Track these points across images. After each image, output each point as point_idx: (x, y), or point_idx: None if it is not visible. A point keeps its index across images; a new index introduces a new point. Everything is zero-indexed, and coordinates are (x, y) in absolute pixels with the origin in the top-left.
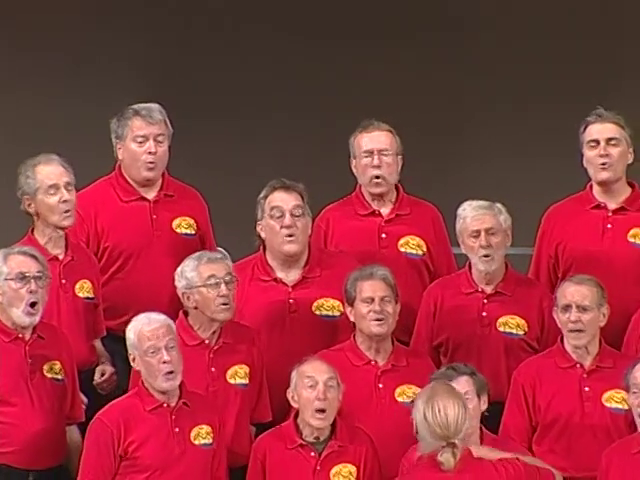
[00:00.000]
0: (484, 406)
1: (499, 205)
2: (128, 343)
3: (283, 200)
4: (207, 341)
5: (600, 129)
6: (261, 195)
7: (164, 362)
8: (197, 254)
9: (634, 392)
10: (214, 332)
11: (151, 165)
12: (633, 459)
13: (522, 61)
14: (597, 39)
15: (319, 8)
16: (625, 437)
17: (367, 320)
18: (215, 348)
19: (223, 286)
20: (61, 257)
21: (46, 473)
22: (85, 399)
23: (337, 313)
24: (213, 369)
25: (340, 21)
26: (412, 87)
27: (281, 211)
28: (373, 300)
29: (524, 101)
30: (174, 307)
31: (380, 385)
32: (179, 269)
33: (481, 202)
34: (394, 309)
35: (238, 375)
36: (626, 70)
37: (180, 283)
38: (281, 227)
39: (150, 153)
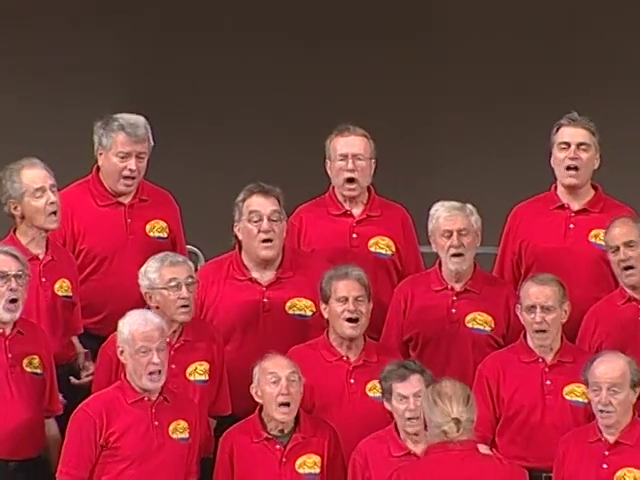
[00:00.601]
0: None
1: (470, 206)
2: (120, 337)
3: (261, 205)
4: (168, 339)
5: (572, 133)
6: (239, 198)
7: (153, 363)
8: (160, 256)
9: (594, 390)
10: (175, 331)
11: (129, 181)
12: (589, 448)
13: (490, 62)
14: (565, 40)
15: (295, 11)
16: (582, 426)
17: (340, 320)
18: (176, 346)
19: (184, 288)
20: (41, 257)
21: (25, 463)
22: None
23: (309, 313)
24: (173, 366)
25: (314, 25)
26: (382, 89)
27: (259, 216)
28: (347, 300)
29: (492, 102)
30: (144, 306)
31: (351, 380)
32: (143, 269)
33: (453, 203)
34: (367, 308)
35: (197, 372)
36: (592, 73)
37: (143, 282)
38: (258, 231)
39: (130, 170)
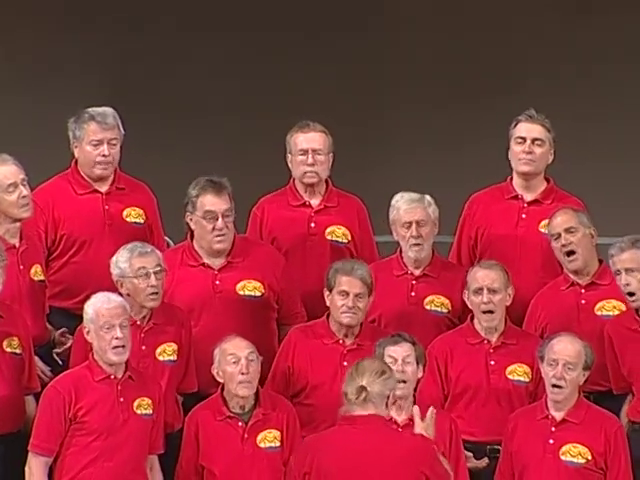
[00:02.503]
0: (420, 374)
1: (429, 197)
2: (85, 317)
3: (215, 204)
4: (138, 322)
5: (529, 128)
6: (193, 193)
7: (116, 338)
8: (130, 246)
9: (550, 364)
10: (144, 316)
11: (105, 165)
12: (537, 424)
13: (446, 56)
14: (518, 37)
15: (253, 8)
16: (531, 404)
17: (339, 312)
18: (146, 329)
19: (152, 277)
20: (17, 246)
21: (6, 437)
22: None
23: (259, 293)
24: (144, 347)
25: (272, 23)
26: (340, 84)
27: (214, 214)
28: (348, 295)
29: (448, 94)
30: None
31: (345, 363)
32: (114, 258)
33: (413, 194)
34: (366, 303)
35: (166, 353)
36: (537, 70)
37: (114, 271)
38: (214, 229)
39: (104, 156)
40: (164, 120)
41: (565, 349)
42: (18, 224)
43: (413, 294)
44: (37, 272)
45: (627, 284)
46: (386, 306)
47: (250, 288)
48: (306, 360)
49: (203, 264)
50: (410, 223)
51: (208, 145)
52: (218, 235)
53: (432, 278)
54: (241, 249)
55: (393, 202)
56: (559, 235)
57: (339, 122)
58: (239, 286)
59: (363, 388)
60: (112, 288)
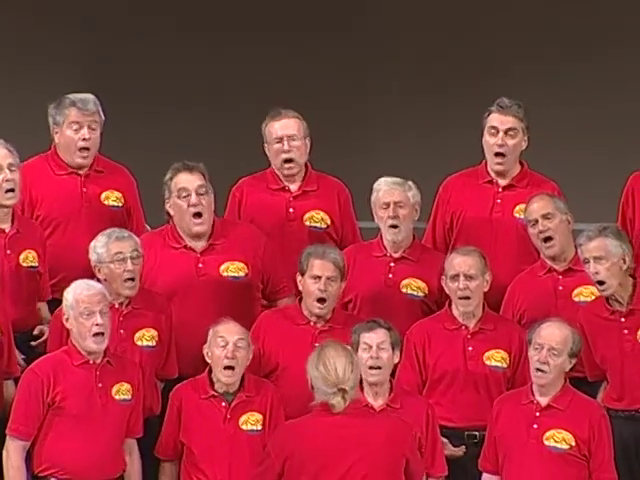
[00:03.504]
0: (397, 359)
1: (411, 183)
2: (65, 304)
3: (188, 181)
4: (117, 306)
5: (501, 120)
6: (167, 177)
7: (97, 324)
8: (108, 231)
9: (536, 348)
10: (123, 300)
11: (85, 152)
12: (521, 409)
13: (426, 41)
14: (486, 24)
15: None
16: (516, 389)
17: (311, 299)
18: (125, 312)
19: (129, 262)
20: (7, 230)
21: None
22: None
23: (242, 274)
24: (122, 331)
25: (248, 9)
26: (320, 71)
27: (187, 191)
28: (320, 278)
29: (426, 82)
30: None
31: (316, 344)
32: (92, 243)
33: (395, 178)
34: (338, 287)
35: (145, 338)
36: (520, 55)
37: (92, 257)
38: (188, 205)
39: (84, 140)
40: (145, 107)
41: (552, 334)
42: (5, 209)
43: (390, 276)
44: (28, 258)
45: (596, 272)
46: (363, 287)
47: (233, 269)
48: (277, 342)
49: (185, 246)
50: (388, 204)
51: (190, 133)
52: (195, 214)
53: (411, 261)
54: (221, 231)
55: (375, 185)
56: (536, 221)
57: (322, 107)
58: (222, 268)
59: (343, 390)
60: (87, 270)
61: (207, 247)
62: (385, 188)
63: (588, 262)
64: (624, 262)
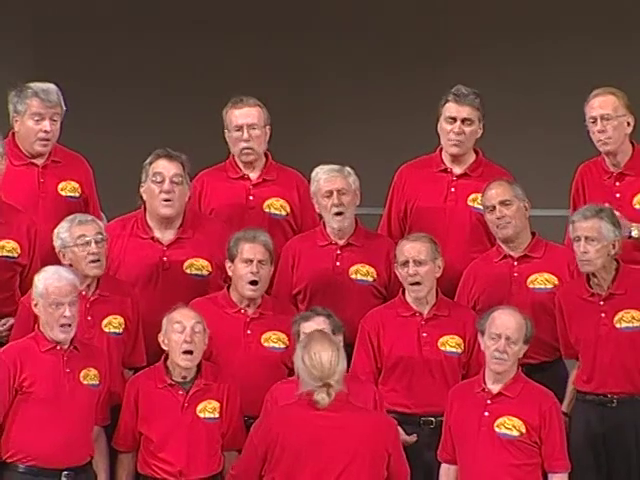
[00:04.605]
0: (340, 344)
1: (348, 168)
2: (35, 290)
3: (165, 167)
4: (84, 292)
5: (457, 109)
6: (147, 161)
7: (64, 316)
8: (70, 217)
9: (493, 338)
10: (89, 285)
11: (45, 142)
12: (474, 397)
13: (378, 26)
14: (447, 2)
15: None
16: (469, 378)
17: (243, 281)
18: (91, 299)
19: (93, 244)
20: None
21: None
22: None
23: (206, 272)
24: (89, 318)
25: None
26: (272, 54)
27: (162, 177)
28: (252, 262)
29: (381, 66)
30: (54, 260)
31: (248, 331)
32: (56, 230)
33: (332, 166)
34: (268, 271)
35: (112, 325)
36: (470, 41)
37: (56, 243)
38: (160, 191)
39: (45, 131)
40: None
41: (508, 322)
42: None
43: (338, 264)
44: (6, 248)
45: (585, 252)
46: (312, 277)
47: (197, 267)
48: (209, 329)
49: (152, 237)
50: (331, 192)
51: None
52: (164, 200)
53: (356, 247)
54: (192, 223)
55: (313, 175)
56: (494, 208)
57: (274, 94)
58: (186, 264)
59: (327, 385)
60: (44, 261)
61: (174, 240)
62: (325, 177)
63: (579, 240)
64: (613, 248)
